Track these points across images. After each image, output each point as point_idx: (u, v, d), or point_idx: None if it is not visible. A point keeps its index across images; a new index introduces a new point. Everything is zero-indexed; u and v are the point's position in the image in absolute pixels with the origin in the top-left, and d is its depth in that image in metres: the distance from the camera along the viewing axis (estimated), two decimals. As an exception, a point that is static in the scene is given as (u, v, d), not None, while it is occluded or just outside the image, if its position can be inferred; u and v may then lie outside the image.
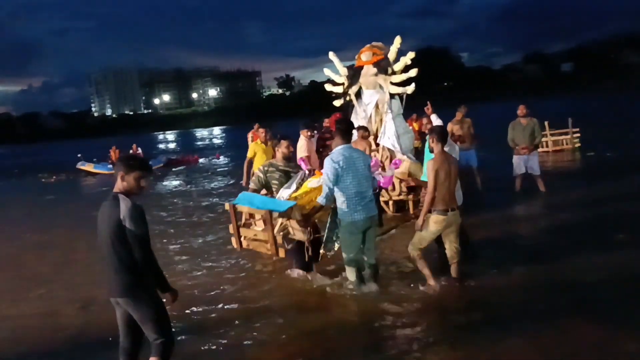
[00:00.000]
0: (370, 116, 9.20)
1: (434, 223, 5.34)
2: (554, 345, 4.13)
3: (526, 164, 9.87)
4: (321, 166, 9.26)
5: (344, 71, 9.49)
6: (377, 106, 9.12)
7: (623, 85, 69.81)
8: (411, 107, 10.21)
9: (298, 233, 5.51)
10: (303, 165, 6.25)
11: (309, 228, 5.50)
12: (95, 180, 21.65)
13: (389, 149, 9.03)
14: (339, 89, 9.57)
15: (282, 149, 6.16)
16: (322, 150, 9.87)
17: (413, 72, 8.69)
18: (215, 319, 5.23)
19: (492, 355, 4.06)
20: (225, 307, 5.52)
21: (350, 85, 9.36)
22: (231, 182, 16.34)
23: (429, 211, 5.34)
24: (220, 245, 8.07)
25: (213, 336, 4.78)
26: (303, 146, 8.91)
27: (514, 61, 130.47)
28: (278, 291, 5.86)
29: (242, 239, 6.09)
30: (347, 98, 9.44)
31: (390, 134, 8.92)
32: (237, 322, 5.06)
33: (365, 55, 9.05)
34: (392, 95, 8.99)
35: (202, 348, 4.57)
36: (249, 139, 15.00)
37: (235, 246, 6.33)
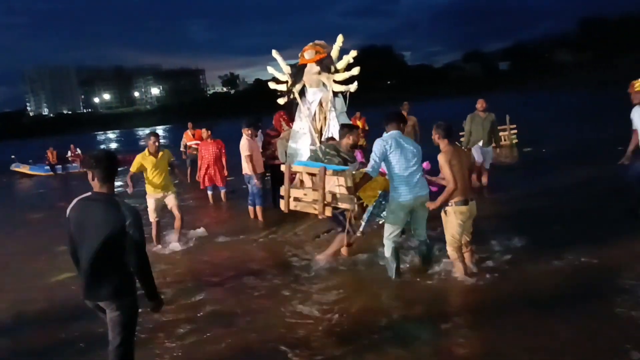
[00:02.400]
0: (314, 114, 9.24)
1: (459, 214, 5.35)
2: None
3: (484, 155, 10.15)
4: (262, 167, 9.25)
5: (287, 69, 9.50)
6: (320, 104, 9.17)
7: (556, 83, 72.95)
8: (354, 105, 10.33)
9: (344, 202, 5.79)
10: (359, 156, 6.76)
11: (355, 199, 5.76)
12: (32, 182, 20.80)
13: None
14: (282, 87, 9.57)
15: (346, 140, 6.41)
16: (266, 148, 9.85)
17: (355, 71, 8.78)
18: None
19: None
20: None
21: (294, 84, 9.37)
22: (176, 181, 16.00)
23: (447, 203, 5.38)
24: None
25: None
26: (245, 145, 8.87)
27: (455, 60, 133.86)
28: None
29: (290, 199, 6.48)
30: (291, 96, 9.46)
31: (334, 131, 8.96)
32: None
33: (308, 54, 9.08)
34: (335, 94, 9.05)
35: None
36: (184, 139, 14.79)
37: (283, 209, 6.65)
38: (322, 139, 9.09)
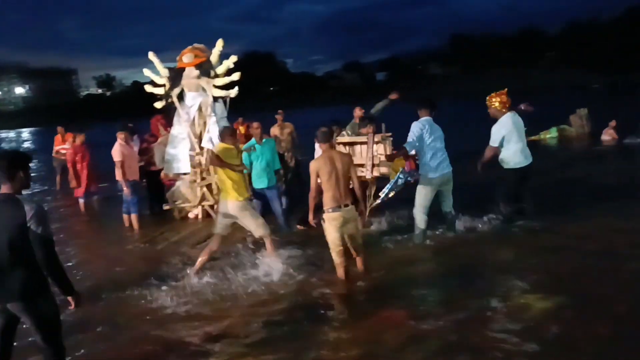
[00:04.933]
0: (194, 119, 9.06)
1: (332, 220, 5.39)
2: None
3: None
4: (137, 174, 8.84)
5: (164, 72, 9.23)
6: (200, 109, 9.02)
7: (428, 94, 77.57)
8: (236, 111, 10.26)
9: (383, 166, 7.17)
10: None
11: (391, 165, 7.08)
12: None
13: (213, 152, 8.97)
14: (160, 91, 9.28)
15: (367, 129, 7.32)
16: (143, 154, 9.49)
17: (236, 76, 8.75)
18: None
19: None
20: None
21: (172, 87, 9.13)
22: (44, 187, 14.94)
23: (318, 211, 5.45)
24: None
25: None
26: (116, 150, 8.47)
27: (335, 69, 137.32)
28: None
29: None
30: (169, 100, 9.20)
31: (215, 137, 8.86)
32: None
33: (187, 57, 8.90)
34: (215, 99, 8.95)
35: None
36: (56, 144, 13.89)
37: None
38: (202, 144, 8.95)
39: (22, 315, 3.37)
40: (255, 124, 7.85)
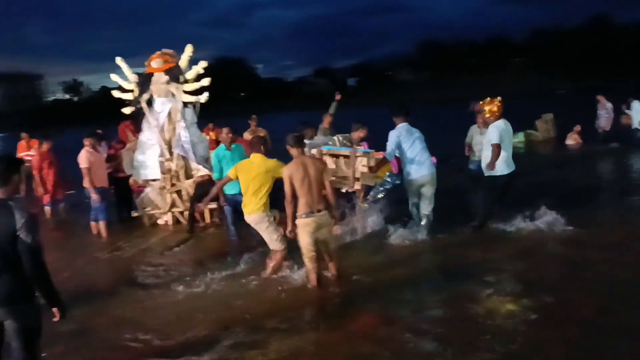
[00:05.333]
0: (163, 125, 8.97)
1: (305, 226, 5.37)
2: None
3: None
4: (105, 181, 8.70)
5: (133, 77, 9.13)
6: (169, 115, 8.93)
7: (399, 100, 78.26)
8: (206, 116, 10.20)
9: (366, 179, 7.19)
10: (366, 147, 7.78)
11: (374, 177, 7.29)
12: None
13: (183, 158, 8.89)
14: (128, 96, 9.17)
15: (359, 133, 7.61)
16: (111, 160, 9.34)
17: (206, 81, 8.70)
18: None
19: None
20: None
21: (140, 93, 9.04)
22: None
23: (295, 217, 5.39)
24: None
25: None
26: (83, 157, 8.31)
27: (307, 74, 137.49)
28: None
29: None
30: (138, 106, 9.09)
31: (185, 142, 8.80)
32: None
33: (155, 62, 8.82)
34: (185, 104, 8.89)
35: None
36: (20, 150, 13.59)
37: None
38: (172, 150, 8.87)
39: (5, 320, 3.29)
40: (225, 130, 7.79)
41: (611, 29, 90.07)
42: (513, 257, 6.10)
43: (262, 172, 5.86)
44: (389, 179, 7.38)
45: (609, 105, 14.77)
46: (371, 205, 7.61)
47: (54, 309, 3.47)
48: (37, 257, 3.28)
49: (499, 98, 7.10)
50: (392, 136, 6.94)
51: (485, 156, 7.06)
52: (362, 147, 7.68)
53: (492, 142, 6.91)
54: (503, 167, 6.92)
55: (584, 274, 5.49)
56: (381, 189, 7.47)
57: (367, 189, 7.80)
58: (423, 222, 7.05)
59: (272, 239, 5.93)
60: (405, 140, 6.88)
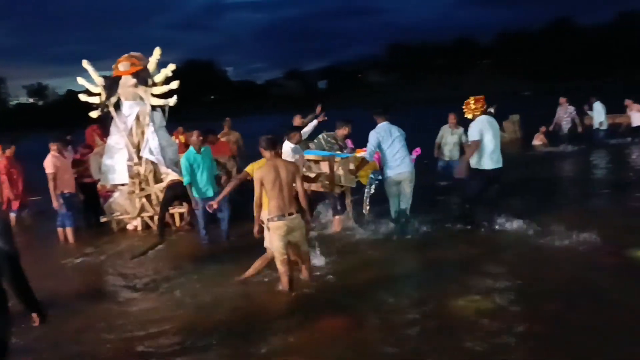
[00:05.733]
0: (131, 129, 8.86)
1: (276, 229, 5.32)
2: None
3: None
4: (72, 186, 8.54)
5: (100, 81, 8.99)
6: (138, 118, 8.82)
7: (369, 101, 78.84)
8: (176, 120, 10.11)
9: (348, 181, 7.51)
10: (350, 144, 8.23)
11: (355, 179, 7.63)
12: None
13: (152, 162, 8.79)
14: (95, 100, 9.02)
15: (343, 130, 7.96)
16: (78, 165, 9.17)
17: (174, 84, 8.63)
18: None
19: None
20: None
21: (108, 96, 8.90)
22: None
23: (263, 220, 5.35)
24: None
25: None
26: (48, 162, 8.14)
27: (276, 77, 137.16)
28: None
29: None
30: (105, 109, 8.96)
31: (153, 146, 8.70)
32: None
33: (123, 66, 8.70)
34: (153, 107, 8.79)
35: None
36: None
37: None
38: (141, 154, 8.76)
39: None
40: (195, 133, 7.72)
41: (573, 31, 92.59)
42: (482, 256, 6.19)
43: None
44: (372, 176, 7.64)
45: (571, 107, 15.11)
46: (369, 206, 7.77)
47: (34, 315, 3.40)
48: (15, 264, 3.19)
49: (482, 96, 7.27)
50: (372, 136, 7.18)
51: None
52: (348, 148, 8.13)
53: (470, 139, 7.06)
54: (487, 162, 7.02)
55: (549, 271, 5.61)
56: (369, 188, 7.71)
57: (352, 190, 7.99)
58: (401, 220, 7.22)
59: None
60: (385, 139, 7.12)
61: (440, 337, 4.34)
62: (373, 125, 7.28)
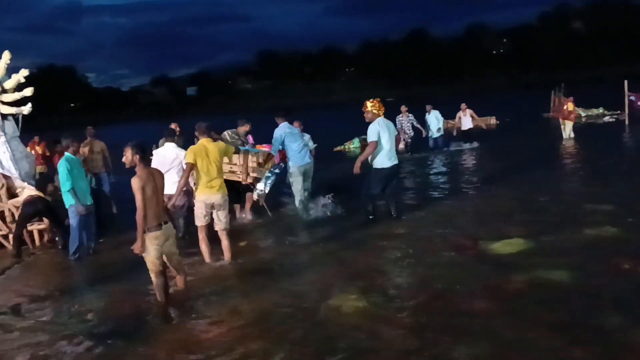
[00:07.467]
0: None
1: (154, 239, 5.07)
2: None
3: None
4: None
5: (-60, 88, 8.07)
6: (-14, 128, 8.05)
7: (240, 108, 78.70)
8: (32, 129, 9.38)
9: (256, 172, 8.31)
10: (251, 139, 9.04)
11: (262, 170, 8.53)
12: None
13: (4, 176, 8.06)
14: None
15: (244, 127, 8.72)
16: None
17: (28, 91, 8.03)
18: None
19: None
20: None
21: (-50, 105, 8.02)
22: None
23: (144, 231, 5.04)
24: None
25: None
26: None
27: (143, 83, 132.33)
28: None
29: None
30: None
31: (5, 159, 7.99)
32: None
33: (-33, 71, 7.90)
34: (4, 116, 8.09)
35: None
36: None
37: None
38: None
39: None
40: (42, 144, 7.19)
41: (428, 41, 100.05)
42: (342, 249, 6.44)
43: (220, 154, 6.46)
44: (269, 174, 8.63)
45: (411, 115, 15.94)
46: (261, 196, 8.65)
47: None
48: None
49: (377, 99, 7.96)
50: (277, 134, 8.37)
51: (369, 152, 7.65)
52: (250, 143, 8.92)
53: (369, 140, 7.57)
54: (385, 160, 7.55)
55: (417, 261, 5.94)
56: (268, 181, 8.67)
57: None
58: (303, 203, 8.42)
59: (227, 219, 6.51)
60: (289, 136, 8.33)
61: (315, 337, 4.40)
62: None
